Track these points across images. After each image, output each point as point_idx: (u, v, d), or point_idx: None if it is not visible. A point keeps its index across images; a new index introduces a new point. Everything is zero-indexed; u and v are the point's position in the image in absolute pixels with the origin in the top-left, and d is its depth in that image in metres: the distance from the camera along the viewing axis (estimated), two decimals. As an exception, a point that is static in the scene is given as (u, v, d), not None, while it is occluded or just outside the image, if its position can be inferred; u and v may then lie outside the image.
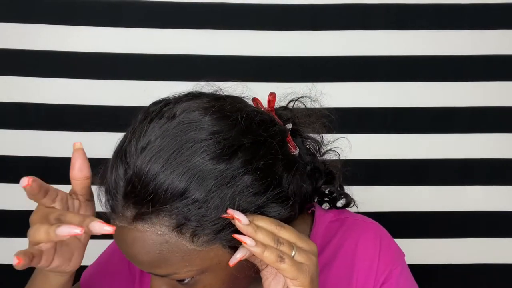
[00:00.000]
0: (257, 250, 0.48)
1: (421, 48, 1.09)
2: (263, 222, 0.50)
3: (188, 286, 0.52)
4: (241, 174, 0.49)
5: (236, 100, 0.56)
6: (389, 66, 1.09)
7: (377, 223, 0.68)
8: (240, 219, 0.48)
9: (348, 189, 0.69)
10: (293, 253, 0.50)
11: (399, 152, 1.09)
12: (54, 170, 1.07)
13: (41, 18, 1.08)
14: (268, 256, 0.48)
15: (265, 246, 0.48)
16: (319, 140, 0.65)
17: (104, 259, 0.73)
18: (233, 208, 0.49)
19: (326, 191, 0.69)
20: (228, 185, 0.49)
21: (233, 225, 0.49)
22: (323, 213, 0.67)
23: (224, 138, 0.49)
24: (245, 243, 0.48)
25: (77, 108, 1.08)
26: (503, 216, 1.09)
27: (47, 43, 1.08)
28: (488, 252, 1.09)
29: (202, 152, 0.48)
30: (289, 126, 0.59)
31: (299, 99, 0.65)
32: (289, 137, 0.58)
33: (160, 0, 1.08)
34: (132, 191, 0.48)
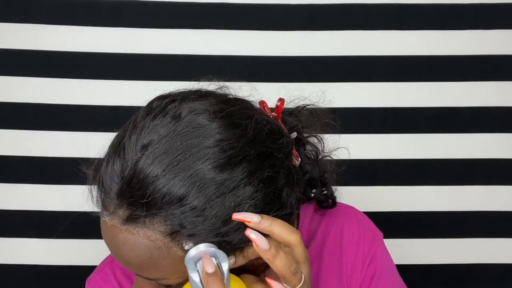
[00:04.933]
0: (268, 255, 0.47)
1: (421, 48, 1.09)
2: (291, 237, 0.48)
3: None
4: (243, 185, 0.48)
5: (246, 106, 0.54)
6: (389, 66, 1.09)
7: (354, 207, 0.71)
8: (258, 244, 0.47)
9: (337, 189, 0.70)
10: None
11: (399, 152, 1.09)
12: (54, 170, 1.07)
13: (41, 18, 1.08)
14: (279, 263, 0.47)
15: (277, 251, 0.47)
16: (319, 146, 0.65)
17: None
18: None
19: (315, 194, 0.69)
20: (228, 194, 0.47)
21: (228, 238, 0.48)
22: (304, 207, 0.68)
23: (231, 148, 0.48)
24: (258, 245, 0.46)
25: (77, 108, 1.08)
26: (503, 216, 1.09)
27: (47, 43, 1.08)
28: (488, 252, 1.09)
29: (206, 159, 0.46)
30: (294, 135, 0.58)
31: (307, 106, 0.65)
32: (294, 149, 0.57)
33: (160, 0, 1.08)
34: (128, 191, 0.47)
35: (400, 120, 1.09)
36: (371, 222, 0.70)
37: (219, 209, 0.47)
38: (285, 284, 0.48)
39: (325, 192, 0.67)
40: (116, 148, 0.49)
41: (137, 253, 0.47)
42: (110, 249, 0.50)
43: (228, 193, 0.47)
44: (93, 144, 1.14)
